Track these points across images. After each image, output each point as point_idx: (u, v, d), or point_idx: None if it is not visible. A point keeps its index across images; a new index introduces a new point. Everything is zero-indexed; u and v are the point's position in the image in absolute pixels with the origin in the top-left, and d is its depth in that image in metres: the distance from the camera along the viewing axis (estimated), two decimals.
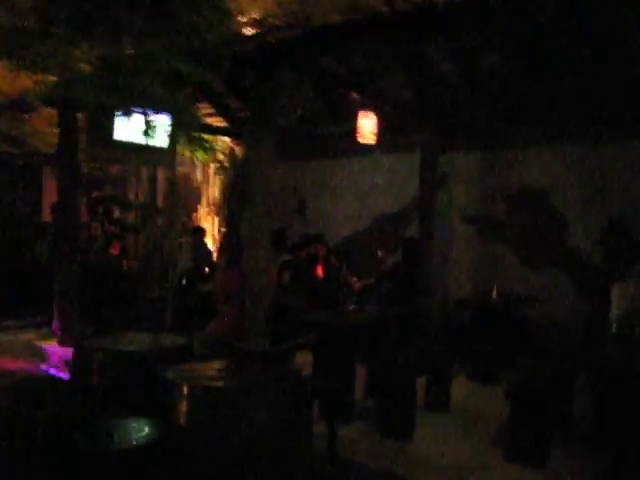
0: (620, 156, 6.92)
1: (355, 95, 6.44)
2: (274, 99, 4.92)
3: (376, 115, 6.58)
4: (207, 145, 8.23)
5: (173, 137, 5.42)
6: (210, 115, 9.97)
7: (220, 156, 11.36)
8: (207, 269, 8.47)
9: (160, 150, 6.14)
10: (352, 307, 5.59)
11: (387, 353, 4.92)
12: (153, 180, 9.32)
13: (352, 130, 6.75)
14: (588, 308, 7.09)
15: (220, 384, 2.67)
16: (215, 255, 9.60)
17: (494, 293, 6.44)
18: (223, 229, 10.92)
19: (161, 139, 5.38)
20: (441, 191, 8.18)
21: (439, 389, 5.21)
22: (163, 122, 5.01)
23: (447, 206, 8.23)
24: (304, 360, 5.87)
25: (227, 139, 10.69)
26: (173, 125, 5.00)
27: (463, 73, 7.15)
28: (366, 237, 9.03)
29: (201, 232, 9.10)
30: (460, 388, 5.72)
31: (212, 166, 11.53)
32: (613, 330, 4.73)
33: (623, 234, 6.96)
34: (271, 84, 4.84)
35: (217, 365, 3.05)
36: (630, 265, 6.92)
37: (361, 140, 6.61)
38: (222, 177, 11.30)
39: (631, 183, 6.86)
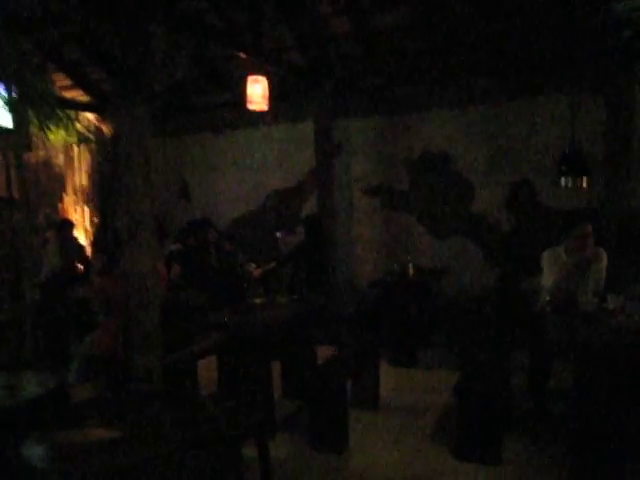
0: (522, 114, 6.64)
1: (242, 56, 5.58)
2: (147, 60, 3.98)
3: (267, 79, 5.77)
4: (66, 121, 7.03)
5: (20, 115, 4.35)
6: (68, 88, 8.67)
7: (84, 136, 10.08)
8: (81, 267, 7.34)
9: (6, 131, 5.01)
10: (259, 300, 4.83)
11: (308, 353, 4.25)
12: (5, 167, 7.92)
13: (240, 98, 5.91)
14: (498, 278, 6.85)
15: (114, 462, 1.83)
16: (89, 250, 8.43)
17: (410, 269, 5.96)
18: (96, 219, 9.70)
19: (5, 118, 4.30)
20: (338, 161, 7.57)
21: (367, 384, 4.62)
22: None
23: (346, 177, 7.64)
24: (206, 365, 5.11)
25: (91, 116, 9.43)
26: (18, 100, 3.97)
27: (357, 31, 6.51)
28: (260, 217, 8.25)
29: (69, 225, 7.89)
30: (383, 376, 5.18)
31: (76, 148, 10.20)
32: (547, 299, 4.35)
33: (529, 196, 6.72)
34: (142, 40, 3.90)
35: (105, 423, 2.20)
36: (536, 228, 6.77)
37: (251, 107, 5.78)
38: (89, 160, 10.02)
39: (535, 141, 6.61)
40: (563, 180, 6.37)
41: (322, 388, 3.97)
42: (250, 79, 5.77)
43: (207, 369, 5.17)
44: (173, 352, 4.97)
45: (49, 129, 3.97)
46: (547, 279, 4.38)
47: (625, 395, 3.57)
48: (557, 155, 6.39)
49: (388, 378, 5.31)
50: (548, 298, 4.33)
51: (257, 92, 5.73)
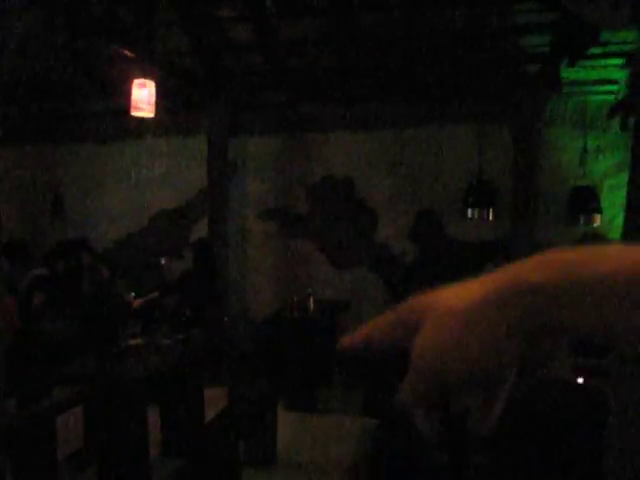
0: (430, 142, 6.38)
1: (128, 55, 4.86)
2: None
3: (155, 83, 5.10)
4: None
5: None
6: None
7: None
8: None
9: None
10: (136, 342, 4.05)
11: (194, 403, 3.55)
12: None
13: (124, 105, 5.19)
14: None
15: None
16: None
17: (310, 303, 5.41)
18: None
19: None
20: (232, 182, 6.94)
21: (263, 438, 3.98)
22: None
23: (240, 199, 7.01)
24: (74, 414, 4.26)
25: None
26: None
27: (260, 41, 5.98)
28: (143, 239, 7.40)
29: None
30: (280, 424, 4.56)
31: None
32: None
33: (434, 227, 6.45)
34: None
35: None
36: (441, 260, 6.50)
37: (135, 113, 5.07)
38: None
39: (441, 170, 6.37)
40: (469, 211, 6.18)
41: (210, 448, 3.30)
42: (136, 83, 5.07)
43: (71, 419, 4.33)
44: (27, 402, 4.11)
45: None
46: None
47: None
48: (464, 185, 6.22)
49: (285, 426, 4.68)
50: None
51: (143, 97, 5.04)
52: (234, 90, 6.50)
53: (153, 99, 5.10)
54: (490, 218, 6.08)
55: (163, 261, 6.22)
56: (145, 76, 5.01)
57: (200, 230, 6.92)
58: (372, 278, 6.58)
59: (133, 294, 5.93)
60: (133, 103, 5.03)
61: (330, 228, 6.72)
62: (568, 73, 5.33)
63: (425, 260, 6.44)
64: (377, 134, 6.53)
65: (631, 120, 4.80)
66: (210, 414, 4.55)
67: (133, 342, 3.98)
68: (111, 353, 3.61)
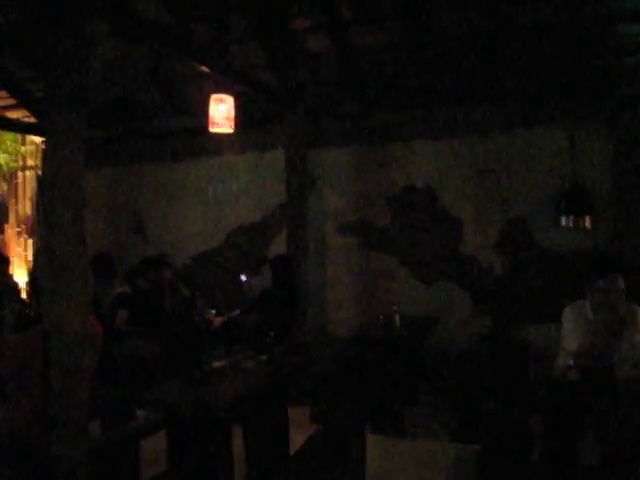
0: (517, 146, 6.00)
1: (205, 70, 4.81)
2: (82, 62, 3.17)
3: (233, 98, 5.03)
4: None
5: None
6: (12, 108, 7.77)
7: (31, 161, 9.22)
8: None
9: None
10: (219, 364, 3.92)
11: (278, 429, 3.38)
12: None
13: (202, 123, 5.16)
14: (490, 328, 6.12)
15: None
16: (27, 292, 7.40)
17: (397, 321, 5.15)
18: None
19: None
20: (311, 195, 6.78)
21: (352, 469, 3.75)
22: None
23: (319, 213, 6.85)
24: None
25: (38, 139, 8.52)
26: None
27: (336, 50, 5.83)
28: (222, 255, 7.37)
29: (3, 261, 6.87)
30: (367, 449, 4.30)
31: (21, 174, 9.27)
32: (570, 363, 3.60)
33: (524, 237, 6.05)
34: (76, 36, 3.09)
35: None
36: (532, 271, 6.09)
37: (214, 129, 5.02)
38: (35, 188, 9.11)
39: (530, 176, 5.97)
40: (563, 219, 5.75)
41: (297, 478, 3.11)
42: (213, 98, 5.02)
43: (155, 440, 4.26)
44: (111, 424, 4.07)
45: None
46: (570, 340, 3.63)
47: None
48: (556, 191, 5.81)
49: (373, 452, 4.42)
50: (572, 362, 3.58)
51: (221, 113, 4.99)
52: (311, 102, 6.36)
53: (232, 114, 5.03)
54: (587, 226, 5.63)
55: (244, 277, 6.13)
56: (223, 91, 4.95)
57: (278, 246, 6.81)
58: (459, 292, 6.24)
59: (214, 312, 5.87)
60: (211, 119, 4.98)
61: (413, 241, 6.44)
62: None
63: (515, 272, 6.05)
64: (459, 140, 6.22)
65: None
66: (293, 435, 4.39)
67: (217, 365, 3.85)
68: (195, 377, 3.49)
